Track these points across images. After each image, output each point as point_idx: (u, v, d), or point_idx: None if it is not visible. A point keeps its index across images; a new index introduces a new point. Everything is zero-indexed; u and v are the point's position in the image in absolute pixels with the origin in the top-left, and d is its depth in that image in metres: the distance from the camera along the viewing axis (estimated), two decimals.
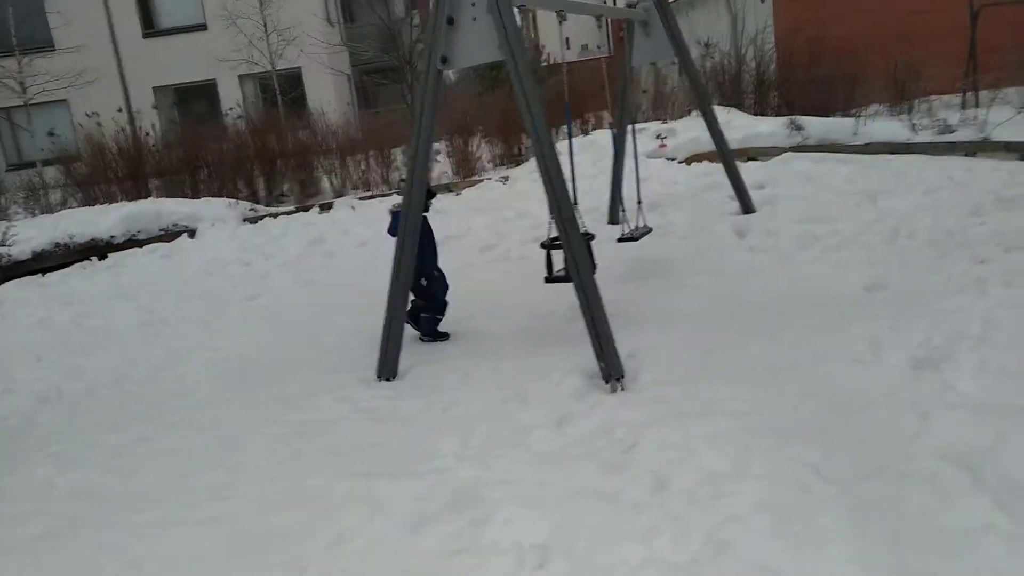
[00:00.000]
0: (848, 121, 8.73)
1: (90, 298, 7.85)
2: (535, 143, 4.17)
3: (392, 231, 5.10)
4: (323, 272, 7.89)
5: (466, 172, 12.29)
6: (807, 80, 10.10)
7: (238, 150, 11.94)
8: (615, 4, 18.00)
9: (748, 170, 8.60)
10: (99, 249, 9.25)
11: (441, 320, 5.41)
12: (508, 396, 4.14)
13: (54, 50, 19.86)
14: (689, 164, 9.40)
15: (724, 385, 3.83)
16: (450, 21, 4.33)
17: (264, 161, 12.06)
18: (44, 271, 8.84)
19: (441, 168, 12.30)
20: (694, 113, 10.47)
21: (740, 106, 10.39)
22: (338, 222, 9.63)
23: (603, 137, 10.40)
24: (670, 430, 3.42)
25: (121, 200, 11.12)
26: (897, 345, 3.86)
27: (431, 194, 5.45)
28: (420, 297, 5.34)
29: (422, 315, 5.39)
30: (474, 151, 12.50)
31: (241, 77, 20.55)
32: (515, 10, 4.35)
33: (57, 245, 9.09)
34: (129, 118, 15.26)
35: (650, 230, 6.49)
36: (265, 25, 16.72)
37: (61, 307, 7.62)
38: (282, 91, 17.42)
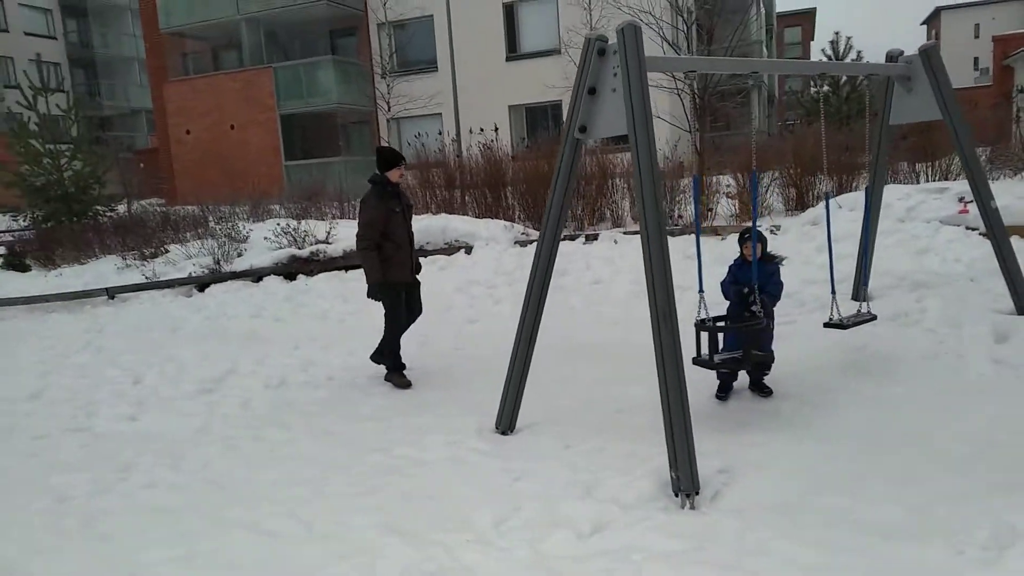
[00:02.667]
0: None
1: (366, 301, 9.16)
2: (642, 227, 3.96)
3: (726, 293, 5.21)
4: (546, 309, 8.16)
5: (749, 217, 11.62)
6: None
7: (535, 171, 12.69)
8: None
9: None
10: None
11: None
12: (577, 480, 4.03)
13: (436, 70, 23.21)
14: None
15: (803, 543, 3.23)
16: (592, 91, 4.31)
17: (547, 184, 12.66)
18: (348, 268, 10.51)
19: (725, 208, 11.81)
20: (1019, 176, 8.63)
21: None
22: (590, 255, 9.84)
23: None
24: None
25: (433, 210, 12.70)
26: None
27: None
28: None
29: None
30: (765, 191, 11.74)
31: None
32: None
33: None
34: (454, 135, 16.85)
35: (872, 318, 5.60)
36: None
37: (339, 303, 9.07)
38: None
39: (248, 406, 5.83)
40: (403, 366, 6.21)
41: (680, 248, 9.71)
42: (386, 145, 6.70)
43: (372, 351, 6.29)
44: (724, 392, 5.35)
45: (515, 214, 12.91)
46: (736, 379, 5.41)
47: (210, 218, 13.65)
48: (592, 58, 4.25)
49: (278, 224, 10.99)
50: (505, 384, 4.89)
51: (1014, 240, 7.52)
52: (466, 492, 4.02)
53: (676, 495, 3.76)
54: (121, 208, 16.95)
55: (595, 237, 10.86)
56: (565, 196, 4.56)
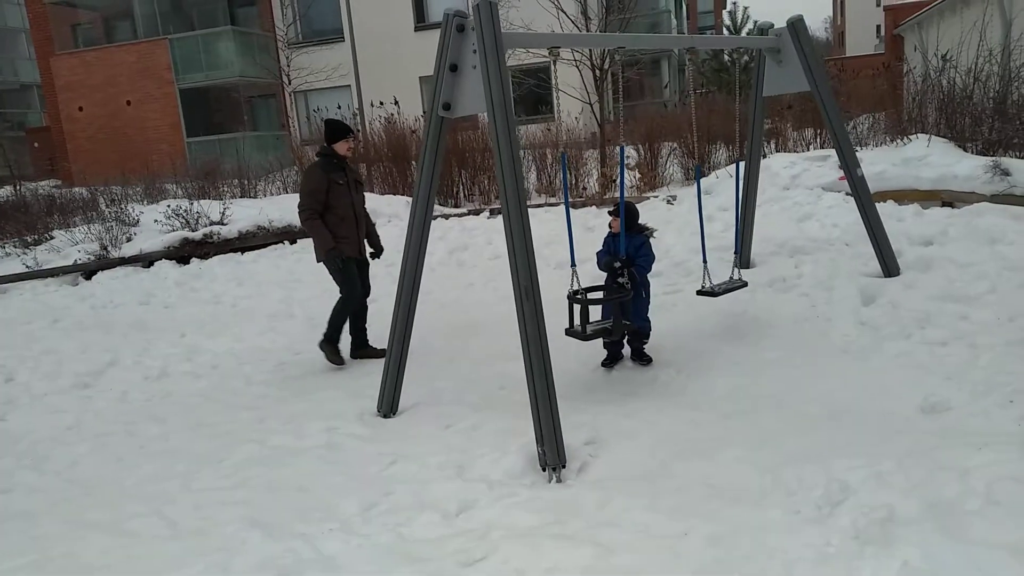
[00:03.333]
0: None
1: (263, 281, 8.97)
2: (503, 201, 3.95)
3: (599, 264, 5.26)
4: (444, 284, 8.13)
5: (652, 185, 11.83)
6: None
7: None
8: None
9: (928, 219, 7.27)
10: (292, 234, 10.45)
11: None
12: (450, 461, 4.04)
13: (342, 40, 22.57)
14: None
15: (657, 511, 3.32)
16: (453, 68, 4.25)
17: (460, 159, 12.59)
18: (245, 250, 10.23)
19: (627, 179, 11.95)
20: (895, 143, 9.02)
21: (963, 139, 8.65)
22: (493, 229, 9.84)
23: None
24: (545, 552, 3.10)
25: None
26: (856, 504, 3.07)
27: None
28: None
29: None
30: (664, 163, 11.97)
31: None
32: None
33: (259, 227, 10.45)
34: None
35: (743, 285, 5.80)
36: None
37: (233, 286, 8.82)
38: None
39: (125, 400, 5.62)
40: (338, 340, 5.98)
41: (580, 221, 9.86)
42: (335, 117, 6.45)
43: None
44: (609, 361, 5.46)
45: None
46: (623, 348, 5.54)
47: (101, 200, 13.04)
48: (451, 34, 4.18)
49: (169, 206, 10.56)
50: (384, 365, 4.85)
51: (890, 204, 7.94)
52: (337, 480, 3.98)
53: (544, 470, 3.82)
54: (3, 192, 15.97)
55: (500, 211, 10.84)
56: (433, 175, 4.51)
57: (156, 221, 10.44)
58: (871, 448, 3.54)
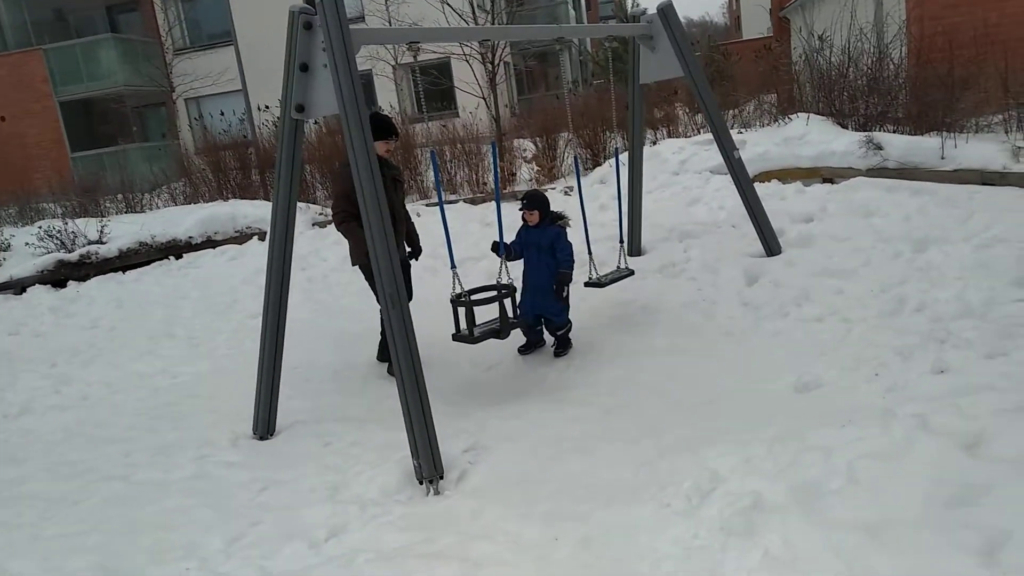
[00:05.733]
0: (933, 141, 7.13)
1: (144, 301, 8.48)
2: (363, 210, 3.77)
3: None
4: (341, 290, 7.86)
5: (551, 177, 11.79)
6: (934, 83, 8.38)
7: (331, 150, 12.23)
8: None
9: (809, 196, 7.43)
10: (178, 249, 9.95)
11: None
12: (325, 482, 3.85)
13: (230, 44, 21.77)
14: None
15: (530, 519, 3.21)
16: (304, 68, 4.04)
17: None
18: (127, 268, 9.66)
19: (525, 173, 11.90)
20: (777, 123, 9.23)
21: (842, 115, 8.91)
22: None
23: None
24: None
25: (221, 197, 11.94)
26: (725, 492, 3.03)
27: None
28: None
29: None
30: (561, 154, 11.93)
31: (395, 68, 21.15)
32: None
33: (142, 244, 9.88)
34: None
35: (629, 273, 5.79)
36: (389, 21, 16.92)
37: (113, 309, 8.31)
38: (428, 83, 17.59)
39: None
40: None
41: (479, 216, 9.73)
42: (381, 112, 5.24)
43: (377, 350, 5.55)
44: (526, 348, 5.50)
45: (316, 193, 12.39)
46: (542, 335, 5.53)
47: None
48: (298, 32, 3.96)
49: (40, 227, 9.88)
50: (257, 385, 4.60)
51: (774, 184, 8.10)
52: (203, 514, 3.72)
53: (421, 483, 3.67)
54: None
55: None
56: (292, 183, 4.28)
57: (28, 244, 9.75)
58: (743, 433, 3.53)
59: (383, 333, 5.36)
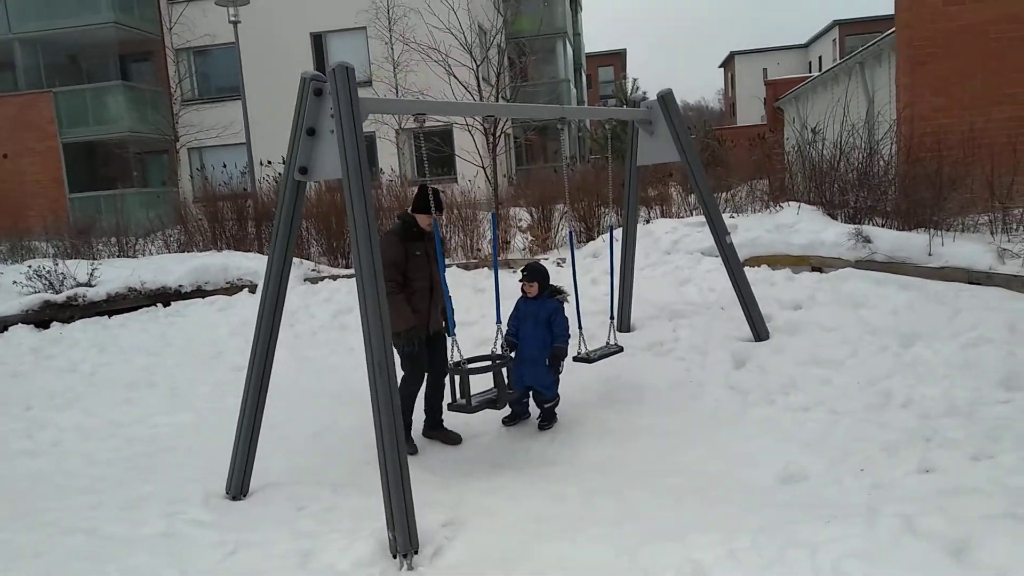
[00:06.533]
0: (921, 238, 7.29)
1: (127, 347, 8.38)
2: (356, 269, 3.78)
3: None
4: (328, 349, 7.80)
5: (544, 247, 11.90)
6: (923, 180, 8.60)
7: (328, 208, 12.32)
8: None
9: (798, 283, 7.51)
10: (167, 297, 9.90)
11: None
12: (296, 549, 3.74)
13: (238, 98, 22.19)
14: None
15: None
16: (311, 132, 4.11)
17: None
18: (113, 313, 9.59)
19: (519, 242, 12.01)
20: (769, 210, 9.41)
21: (832, 206, 9.11)
22: None
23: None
24: None
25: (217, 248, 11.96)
26: None
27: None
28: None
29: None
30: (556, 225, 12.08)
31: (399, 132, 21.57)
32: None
33: (131, 289, 9.83)
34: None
35: (618, 350, 5.80)
36: (396, 89, 17.36)
37: (95, 353, 8.20)
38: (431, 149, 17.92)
39: None
40: (410, 426, 5.13)
41: (471, 282, 9.76)
42: (433, 187, 4.80)
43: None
44: (511, 420, 5.45)
45: (311, 248, 12.45)
46: (528, 407, 5.49)
47: None
48: (308, 97, 4.05)
49: (30, 266, 9.84)
50: (234, 444, 4.51)
51: (764, 269, 8.20)
52: (168, 574, 3.60)
53: (395, 557, 3.57)
54: None
55: None
56: (289, 241, 4.31)
57: (15, 283, 9.69)
58: (729, 522, 3.47)
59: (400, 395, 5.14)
